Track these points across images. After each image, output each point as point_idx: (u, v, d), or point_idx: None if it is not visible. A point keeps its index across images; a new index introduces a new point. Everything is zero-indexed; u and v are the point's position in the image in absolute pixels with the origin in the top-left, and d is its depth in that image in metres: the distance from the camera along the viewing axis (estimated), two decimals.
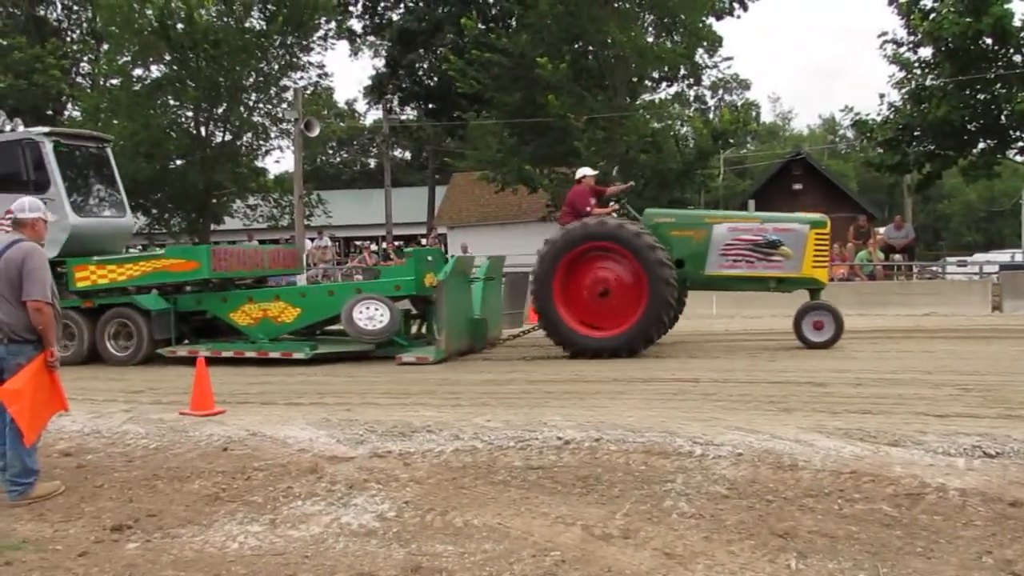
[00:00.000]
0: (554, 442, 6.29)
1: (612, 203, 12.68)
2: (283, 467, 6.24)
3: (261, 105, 30.39)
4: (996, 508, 4.79)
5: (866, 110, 26.97)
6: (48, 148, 13.02)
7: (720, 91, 56.53)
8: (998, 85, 23.57)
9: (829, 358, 10.41)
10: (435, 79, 43.71)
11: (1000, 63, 23.44)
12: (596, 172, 13.35)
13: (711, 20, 31.32)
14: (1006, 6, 22.32)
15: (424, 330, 13.10)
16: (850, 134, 33.99)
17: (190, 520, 5.33)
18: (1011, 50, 23.32)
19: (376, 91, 47.05)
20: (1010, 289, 17.55)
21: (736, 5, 36.40)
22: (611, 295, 11.36)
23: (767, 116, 72.42)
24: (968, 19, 22.37)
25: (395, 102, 47.72)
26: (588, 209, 12.02)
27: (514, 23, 30.86)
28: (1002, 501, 4.86)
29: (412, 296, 12.50)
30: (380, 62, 48.04)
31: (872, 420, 6.53)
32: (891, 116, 25.38)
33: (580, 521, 4.97)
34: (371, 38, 48.41)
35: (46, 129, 13.61)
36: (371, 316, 11.94)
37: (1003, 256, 29.90)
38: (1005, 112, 23.56)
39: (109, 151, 14.53)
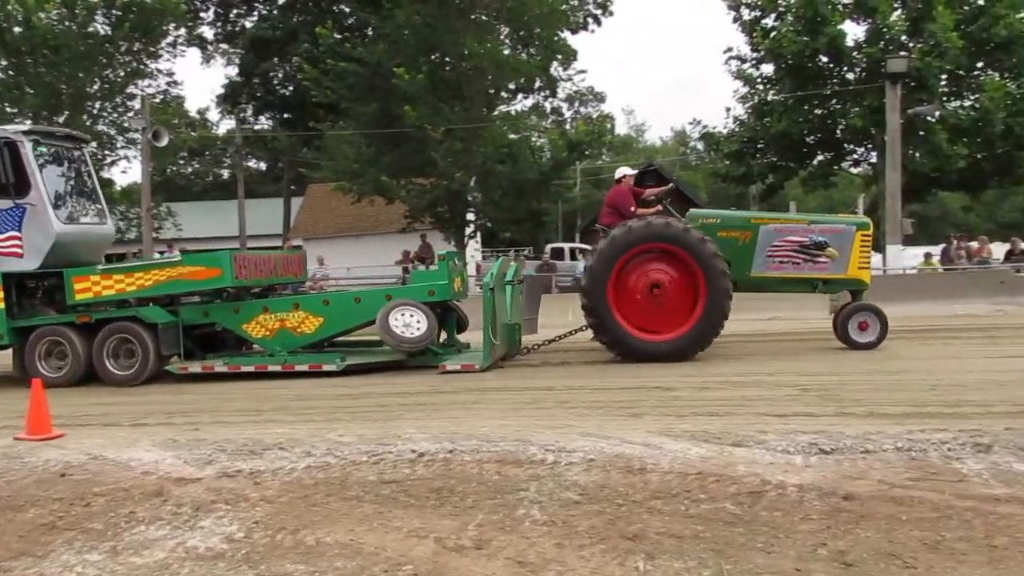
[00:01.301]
0: (408, 455, 6.24)
1: (658, 203, 12.23)
2: (126, 491, 5.98)
3: (106, 114, 29.31)
4: (831, 502, 5.00)
5: (714, 123, 27.97)
6: (28, 148, 11.75)
7: (576, 103, 57.47)
8: (833, 101, 24.88)
9: (677, 363, 10.68)
10: (290, 88, 43.04)
11: (835, 80, 24.72)
12: (635, 171, 12.86)
13: (566, 34, 31.85)
14: (839, 27, 23.57)
15: (444, 337, 12.40)
16: (700, 146, 35.08)
17: (24, 552, 5.06)
18: (845, 68, 24.65)
19: (229, 100, 45.96)
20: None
21: (590, 20, 37.17)
22: (665, 298, 11.07)
23: (621, 128, 73.99)
24: (806, 38, 23.53)
25: (249, 111, 46.76)
26: (632, 210, 11.65)
27: (371, 33, 30.71)
28: (836, 495, 5.07)
29: (430, 303, 11.66)
30: (233, 70, 47.01)
31: (717, 422, 6.74)
32: (736, 129, 26.46)
33: (433, 534, 4.95)
34: (223, 46, 47.25)
35: (24, 127, 12.38)
36: (407, 323, 11.22)
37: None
38: (840, 126, 24.87)
39: (86, 152, 13.38)
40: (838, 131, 25.40)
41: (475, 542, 4.81)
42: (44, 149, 12.22)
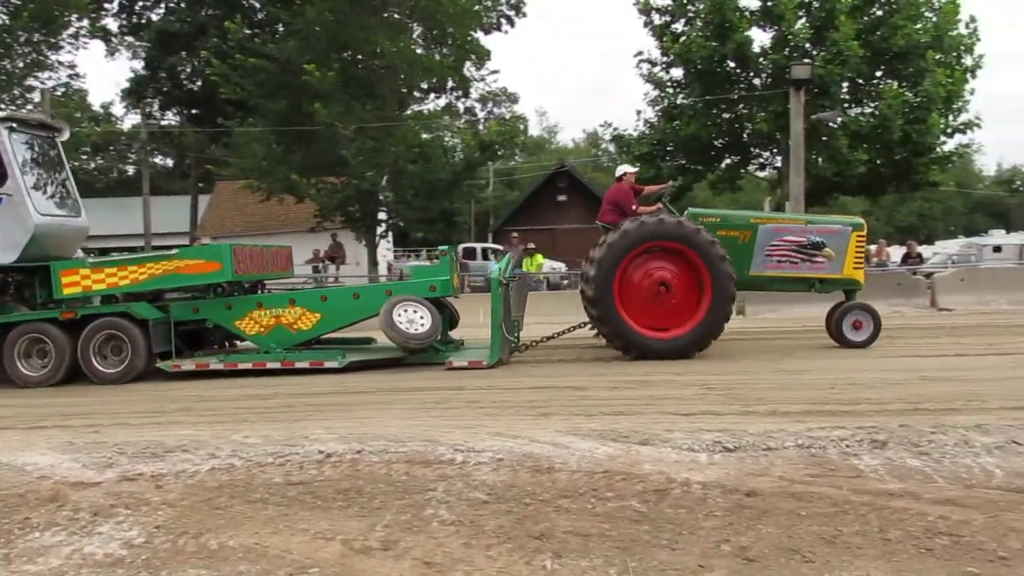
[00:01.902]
0: (315, 456, 6.16)
1: (657, 201, 12.28)
2: (20, 497, 5.77)
3: (4, 106, 28.26)
4: (733, 498, 5.10)
5: (625, 126, 28.34)
6: (4, 136, 11.24)
7: (489, 104, 57.63)
8: (740, 106, 25.39)
9: (588, 363, 10.79)
10: (198, 84, 42.12)
11: (742, 85, 25.25)
12: (636, 169, 12.93)
13: (479, 34, 31.90)
14: (746, 33, 24.08)
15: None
16: (611, 148, 35.48)
17: None
18: (751, 74, 25.19)
19: (134, 94, 44.75)
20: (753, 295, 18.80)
21: (504, 21, 37.27)
22: (669, 296, 11.15)
23: (534, 129, 74.53)
24: (714, 43, 23.97)
25: (155, 106, 45.62)
26: (634, 208, 11.72)
27: (281, 29, 30.28)
28: (739, 492, 5.17)
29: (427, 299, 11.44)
30: (139, 64, 45.76)
31: (625, 421, 6.82)
32: (647, 132, 26.81)
33: (340, 535, 4.90)
34: (128, 38, 45.96)
35: (1, 113, 11.76)
36: (411, 319, 11.09)
37: None
38: (747, 131, 25.39)
39: (59, 142, 12.68)
40: (745, 135, 25.95)
41: (382, 543, 4.77)
42: (19, 137, 11.70)
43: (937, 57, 23.58)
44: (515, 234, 27.36)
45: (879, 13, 24.51)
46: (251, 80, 27.03)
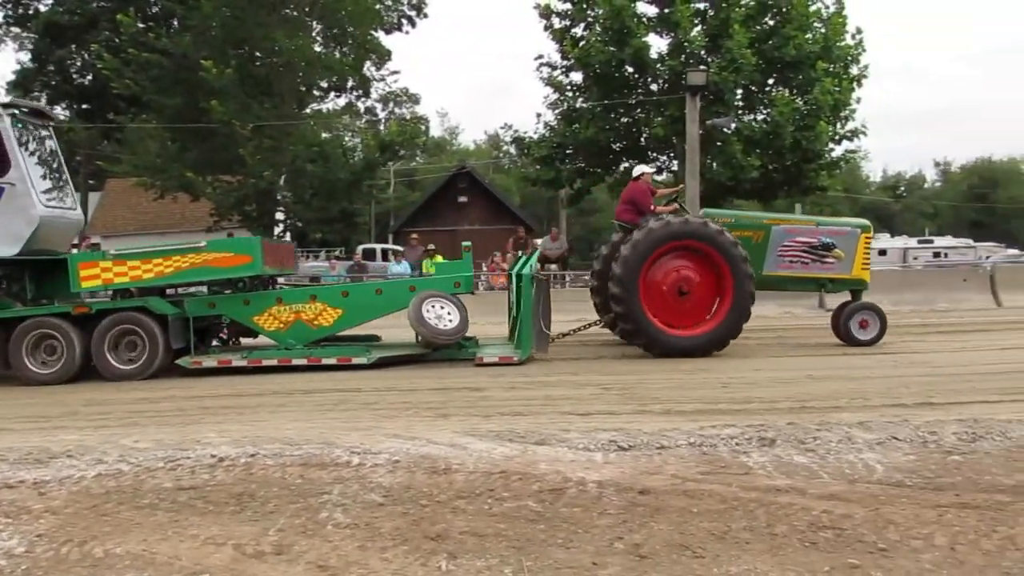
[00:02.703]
0: (207, 460, 6.04)
1: (672, 202, 12.61)
2: None
3: None
4: (628, 497, 5.17)
5: (525, 128, 28.49)
6: (7, 123, 10.67)
7: (390, 104, 57.35)
8: (638, 110, 25.76)
9: (486, 365, 10.79)
10: (89, 78, 40.85)
11: (640, 90, 25.61)
12: (653, 170, 12.85)
13: (380, 34, 31.70)
14: (644, 39, 24.46)
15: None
16: (512, 150, 35.66)
17: None
18: (649, 79, 25.58)
19: (20, 87, 43.13)
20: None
21: (405, 21, 37.14)
22: (690, 295, 11.33)
23: (436, 130, 74.32)
24: (612, 48, 24.28)
25: (43, 100, 44.02)
26: (652, 208, 11.90)
27: (176, 23, 29.56)
28: (633, 490, 5.25)
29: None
30: (25, 56, 44.17)
31: (522, 421, 6.87)
32: (546, 135, 26.97)
33: (232, 540, 4.81)
34: (15, 29, 44.33)
35: (4, 99, 11.07)
36: (439, 315, 11.03)
37: None
38: (644, 135, 25.78)
39: (53, 130, 12.04)
40: (642, 139, 26.35)
41: (276, 547, 4.70)
42: (21, 124, 11.16)
43: (826, 67, 24.31)
44: (415, 235, 27.27)
45: (771, 23, 25.17)
46: (145, 75, 26.32)
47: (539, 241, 26.59)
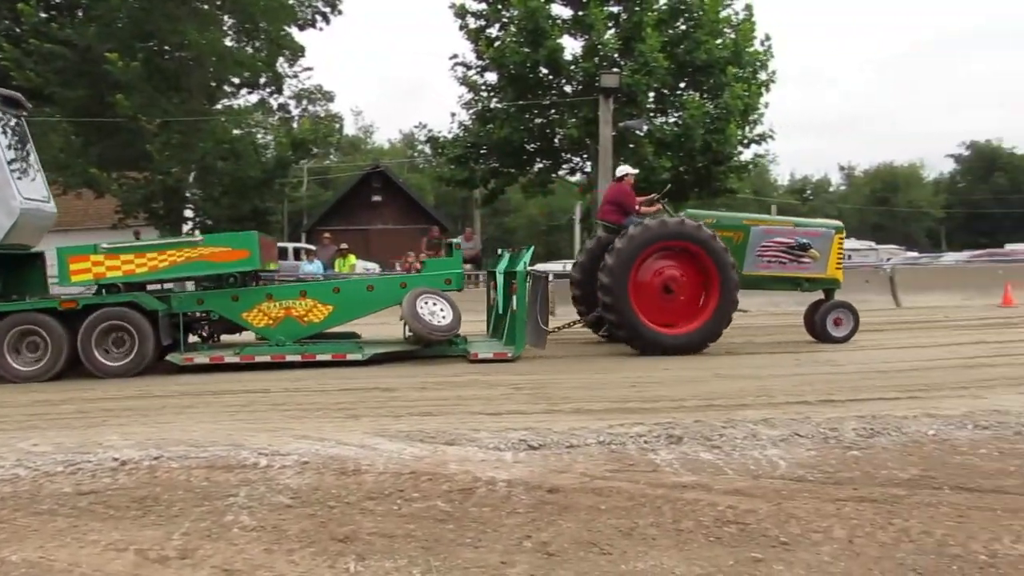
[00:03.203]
0: (110, 464, 5.89)
1: (656, 203, 12.80)
2: None
3: None
4: (536, 495, 5.20)
5: (439, 128, 28.44)
6: None
7: (304, 101, 56.64)
8: (552, 111, 25.91)
9: (398, 365, 10.76)
10: None
11: (554, 91, 25.76)
12: (637, 171, 13.18)
13: (294, 30, 31.25)
14: (558, 41, 24.62)
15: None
16: (427, 149, 35.57)
17: None
18: (563, 80, 25.74)
19: None
20: (564, 297, 19.23)
21: (319, 18, 36.66)
22: (678, 294, 11.60)
23: (350, 129, 73.61)
24: (527, 49, 24.35)
25: None
26: (637, 208, 12.13)
27: (80, 14, 28.69)
28: (542, 489, 5.29)
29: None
30: None
31: (433, 421, 6.86)
32: (461, 134, 26.93)
33: (134, 545, 4.69)
34: None
35: None
36: (432, 312, 11.07)
37: (557, 266, 32.74)
38: (558, 136, 25.94)
39: (24, 120, 11.42)
40: (556, 140, 26.50)
41: (180, 552, 4.60)
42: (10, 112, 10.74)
43: (735, 72, 24.79)
44: (327, 234, 26.98)
45: (683, 27, 25.54)
46: (47, 67, 25.45)
47: (454, 241, 26.55)
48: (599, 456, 5.88)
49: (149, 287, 11.23)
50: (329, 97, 46.94)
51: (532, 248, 11.84)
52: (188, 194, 27.45)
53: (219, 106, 29.68)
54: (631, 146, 25.19)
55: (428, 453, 5.94)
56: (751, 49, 25.69)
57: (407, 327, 11.45)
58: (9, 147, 11.09)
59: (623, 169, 12.93)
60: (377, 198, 41.61)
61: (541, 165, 27.64)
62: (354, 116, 78.09)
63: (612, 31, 25.23)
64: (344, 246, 23.90)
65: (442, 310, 11.19)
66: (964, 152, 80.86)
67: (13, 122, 11.54)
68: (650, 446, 6.05)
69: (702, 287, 11.68)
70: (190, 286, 12.09)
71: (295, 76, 33.60)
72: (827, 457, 5.85)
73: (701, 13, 24.98)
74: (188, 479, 5.62)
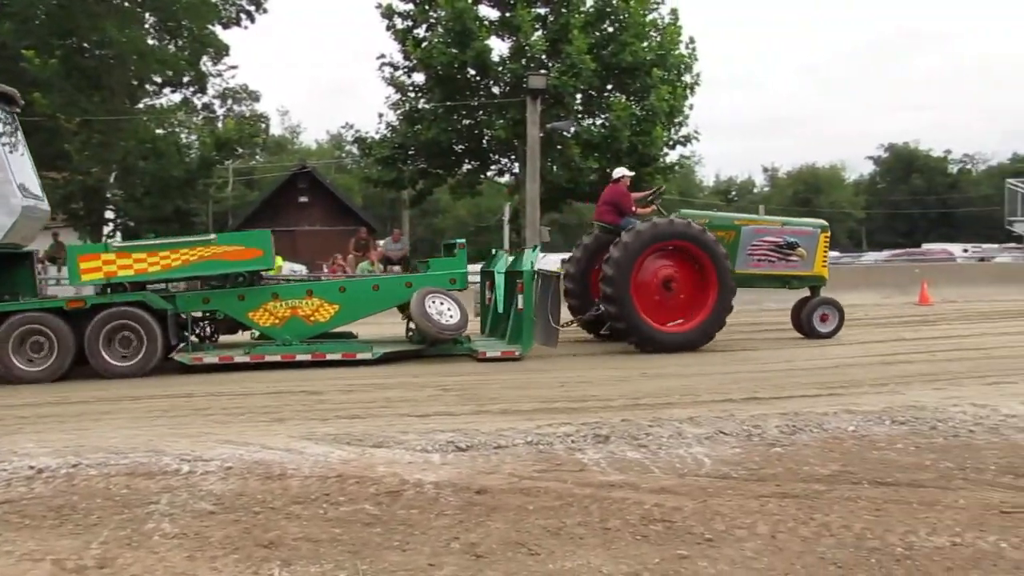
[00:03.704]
0: (25, 472, 5.72)
1: (650, 203, 12.95)
2: None
3: None
4: (464, 497, 5.19)
5: (367, 128, 28.26)
6: None
7: (229, 101, 55.84)
8: (480, 112, 25.94)
9: (325, 368, 10.65)
10: None
11: (482, 92, 25.79)
12: (633, 173, 13.44)
13: (218, 28, 30.76)
14: (486, 42, 24.66)
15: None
16: (355, 150, 35.32)
17: None
18: (491, 81, 25.80)
19: None
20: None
21: (244, 16, 36.13)
22: (677, 292, 11.81)
23: (276, 129, 72.64)
24: (454, 50, 24.36)
25: None
26: (634, 209, 12.32)
27: None
28: (470, 490, 5.27)
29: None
30: None
31: (360, 424, 6.81)
32: (388, 135, 26.83)
33: (51, 555, 4.56)
34: None
35: None
36: (440, 311, 11.10)
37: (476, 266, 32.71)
38: (486, 137, 25.98)
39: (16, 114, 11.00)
40: (484, 141, 26.54)
41: (98, 561, 4.49)
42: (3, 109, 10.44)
43: (661, 74, 25.08)
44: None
45: (610, 30, 25.78)
46: None
47: (381, 242, 26.45)
48: (527, 456, 5.89)
49: (150, 286, 11.07)
50: (255, 96, 46.49)
51: (537, 247, 12.09)
52: (109, 194, 26.88)
53: (141, 105, 29.12)
54: (559, 147, 25.34)
55: (355, 456, 5.88)
56: (676, 52, 26.03)
57: (413, 326, 11.63)
58: (6, 145, 10.88)
59: (620, 171, 13.11)
60: (304, 199, 41.17)
61: (469, 166, 27.66)
62: (281, 116, 77.37)
63: (539, 33, 25.36)
64: None
65: (449, 309, 11.26)
66: (883, 154, 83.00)
67: (8, 118, 11.33)
68: (577, 446, 6.08)
69: (701, 285, 11.91)
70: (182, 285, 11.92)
71: (219, 75, 33.17)
72: (751, 454, 5.94)
73: (627, 16, 25.25)
74: (107, 487, 5.48)
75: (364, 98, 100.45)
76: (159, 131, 27.76)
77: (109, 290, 10.78)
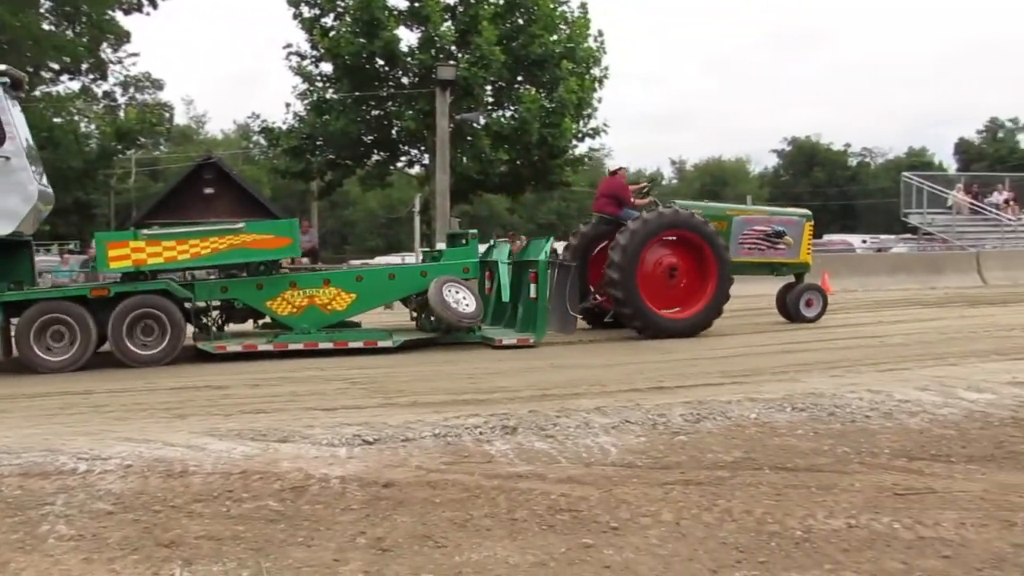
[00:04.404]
0: None
1: (646, 195, 13.35)
2: None
3: None
4: (371, 491, 5.15)
5: (274, 118, 27.82)
6: (0, 92, 9.94)
7: (131, 89, 54.37)
8: (389, 103, 25.77)
9: (231, 362, 10.47)
10: None
11: (391, 83, 25.63)
12: (627, 166, 13.62)
13: (118, 14, 29.92)
14: (395, 32, 24.50)
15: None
16: (263, 140, 34.79)
17: None
18: (400, 72, 25.65)
19: None
20: None
21: (146, 2, 35.18)
22: (678, 280, 12.24)
23: (181, 118, 70.93)
24: (363, 40, 24.14)
25: None
26: (633, 200, 12.67)
27: None
28: (377, 484, 5.24)
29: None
30: None
31: (265, 419, 6.71)
32: (296, 125, 26.48)
33: None
34: None
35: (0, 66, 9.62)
36: (456, 300, 11.27)
37: (395, 259, 32.60)
38: (396, 128, 25.83)
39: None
40: (394, 132, 26.39)
41: None
42: (12, 93, 10.19)
43: (570, 67, 25.26)
44: (157, 227, 25.98)
45: (520, 22, 25.85)
46: None
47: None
48: (435, 449, 5.87)
49: (163, 275, 10.96)
50: (158, 85, 45.43)
51: (551, 238, 12.28)
52: None
53: (37, 93, 28.14)
54: (468, 139, 25.33)
55: (259, 452, 5.80)
56: (585, 45, 26.23)
57: (419, 315, 12.05)
58: (19, 128, 10.61)
59: (616, 163, 13.68)
60: (209, 190, 40.25)
61: (379, 157, 27.47)
62: (185, 105, 75.31)
63: (449, 23, 25.28)
64: None
65: (465, 298, 11.47)
66: (786, 147, 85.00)
67: (16, 104, 10.98)
68: (485, 437, 6.09)
69: (700, 273, 12.31)
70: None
71: (120, 62, 32.31)
72: (656, 443, 6.02)
73: (536, 8, 25.34)
74: (0, 488, 5.31)
75: (272, 88, 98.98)
76: (56, 120, 26.92)
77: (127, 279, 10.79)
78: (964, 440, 5.97)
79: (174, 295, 10.53)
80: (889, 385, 7.63)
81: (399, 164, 28.52)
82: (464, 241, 12.73)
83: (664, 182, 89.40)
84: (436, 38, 24.59)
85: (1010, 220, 28.07)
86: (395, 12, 25.04)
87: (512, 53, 25.00)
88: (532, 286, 11.53)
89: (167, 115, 40.76)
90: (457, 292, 11.46)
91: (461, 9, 25.42)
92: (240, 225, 11.35)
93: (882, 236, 44.62)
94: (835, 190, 76.71)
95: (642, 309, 11.86)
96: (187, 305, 10.70)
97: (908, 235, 32.12)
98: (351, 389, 8.09)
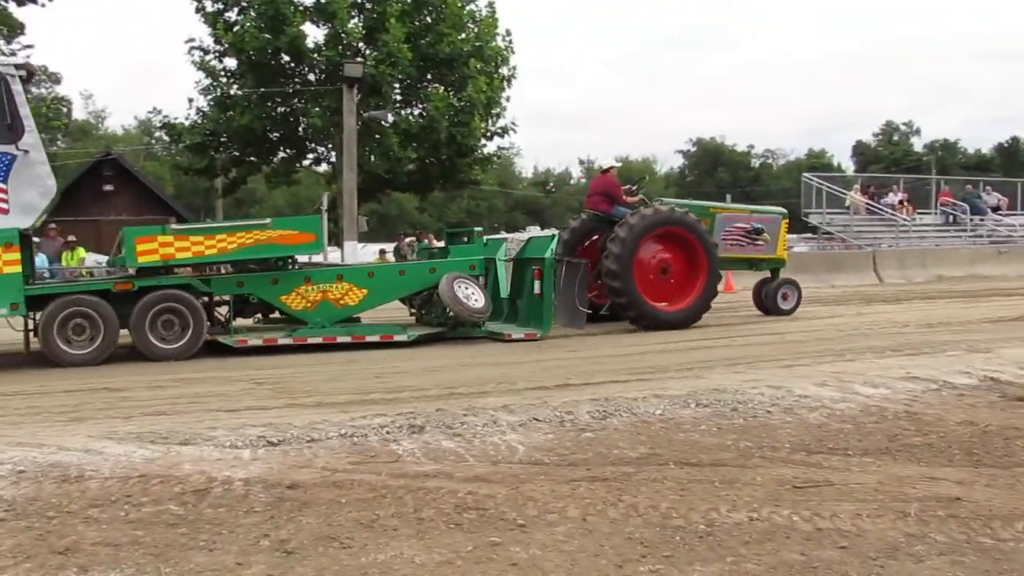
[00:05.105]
0: None
1: (637, 193, 13.60)
2: None
3: None
4: (276, 492, 5.08)
5: (177, 114, 27.19)
6: (19, 86, 9.86)
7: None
8: (296, 100, 25.46)
9: (129, 363, 10.22)
10: None
11: (297, 79, 25.32)
12: (619, 164, 14.04)
13: (11, 4, 28.89)
14: (300, 28, 24.21)
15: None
16: (165, 136, 33.99)
17: None
18: (306, 69, 25.36)
19: None
20: None
21: None
22: (670, 274, 12.75)
23: (79, 113, 68.76)
24: (268, 35, 23.80)
25: None
26: (625, 198, 13.05)
27: None
28: (281, 485, 5.17)
29: None
30: None
31: (166, 421, 6.56)
32: (199, 121, 25.96)
33: None
34: None
35: (18, 59, 9.84)
36: (466, 295, 11.48)
37: (318, 258, 32.15)
38: (302, 125, 25.52)
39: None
40: (300, 129, 26.07)
41: None
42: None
43: (478, 65, 25.29)
44: (53, 226, 25.12)
45: (428, 20, 25.79)
46: None
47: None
48: (341, 449, 5.82)
49: (179, 269, 11.19)
50: (55, 79, 43.97)
51: (556, 236, 12.81)
52: None
53: None
54: (377, 137, 25.18)
55: (160, 454, 5.66)
56: (493, 44, 26.29)
57: (427, 310, 12.32)
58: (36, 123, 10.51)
59: (608, 162, 13.98)
60: (109, 187, 39.11)
61: (285, 154, 27.13)
62: (84, 100, 72.98)
63: (356, 20, 25.08)
64: (72, 239, 22.34)
65: (474, 293, 11.73)
66: (691, 148, 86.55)
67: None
68: (392, 437, 6.06)
69: (690, 268, 12.84)
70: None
71: (13, 55, 31.14)
72: (563, 440, 6.07)
73: (444, 6, 25.31)
74: None
75: (175, 82, 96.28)
76: None
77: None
78: (860, 434, 6.15)
79: (195, 290, 10.71)
80: (789, 381, 7.83)
81: (306, 161, 28.20)
82: (466, 239, 13.09)
83: (573, 181, 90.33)
84: (343, 35, 24.37)
85: (905, 220, 29.03)
86: (301, 8, 24.73)
87: (420, 51, 24.92)
88: (536, 282, 11.89)
89: (65, 110, 39.56)
90: (467, 287, 11.73)
91: (368, 6, 25.24)
92: (267, 221, 11.45)
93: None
94: (739, 190, 78.37)
95: (637, 300, 12.35)
96: (205, 300, 10.89)
97: (808, 234, 32.97)
98: (256, 390, 7.96)
